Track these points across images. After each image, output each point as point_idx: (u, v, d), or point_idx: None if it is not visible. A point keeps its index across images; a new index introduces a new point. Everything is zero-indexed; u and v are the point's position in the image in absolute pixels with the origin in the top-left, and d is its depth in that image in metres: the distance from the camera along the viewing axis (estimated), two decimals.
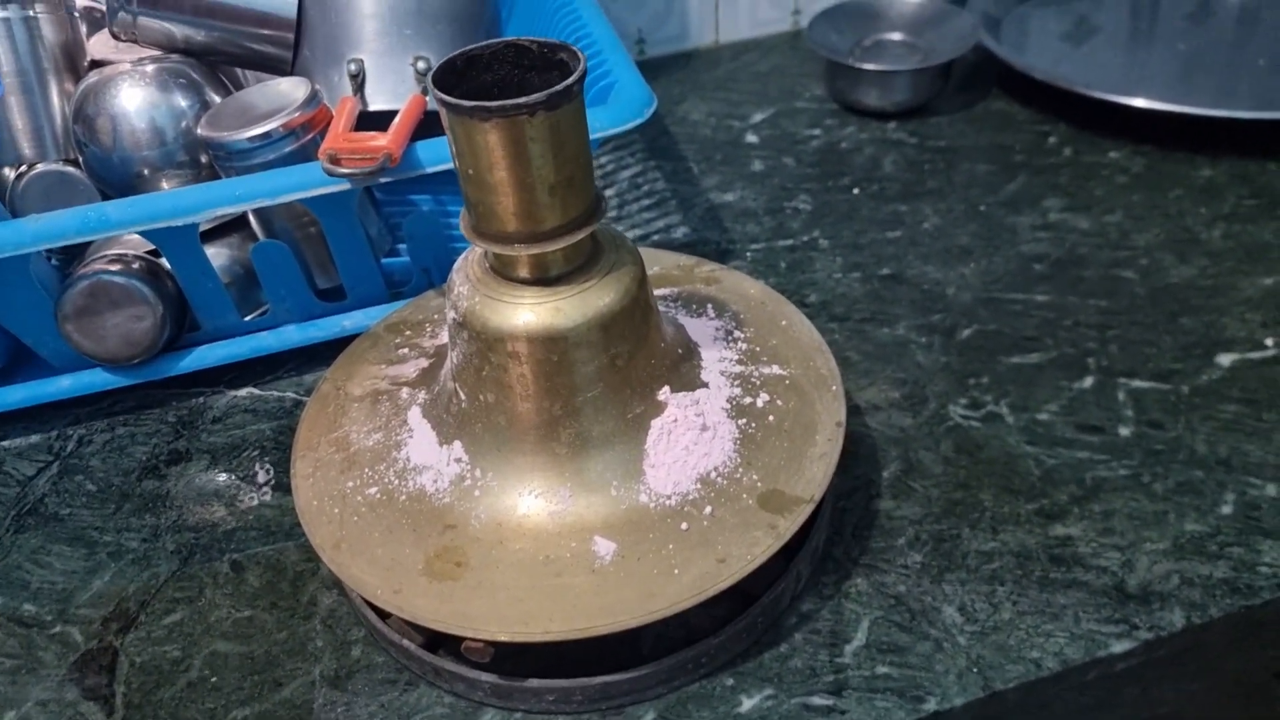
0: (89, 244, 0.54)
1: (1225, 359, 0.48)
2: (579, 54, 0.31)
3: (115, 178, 0.53)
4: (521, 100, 0.29)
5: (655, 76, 0.81)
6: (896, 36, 0.78)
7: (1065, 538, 0.40)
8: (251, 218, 0.52)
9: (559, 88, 0.30)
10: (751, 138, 0.72)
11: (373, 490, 0.39)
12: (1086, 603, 0.38)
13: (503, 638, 0.33)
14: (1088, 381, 0.48)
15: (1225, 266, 0.55)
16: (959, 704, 0.35)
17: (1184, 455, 0.43)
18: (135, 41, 0.54)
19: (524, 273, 0.35)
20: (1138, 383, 0.48)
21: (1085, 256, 0.57)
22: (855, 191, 0.65)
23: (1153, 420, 0.45)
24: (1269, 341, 0.49)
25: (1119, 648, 0.36)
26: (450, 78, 0.32)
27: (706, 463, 0.37)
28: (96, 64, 0.55)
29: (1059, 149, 0.67)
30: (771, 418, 0.39)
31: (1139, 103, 0.64)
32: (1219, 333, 0.50)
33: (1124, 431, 0.45)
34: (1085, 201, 0.61)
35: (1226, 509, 0.41)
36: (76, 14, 0.57)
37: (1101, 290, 0.54)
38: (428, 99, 0.51)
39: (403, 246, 0.57)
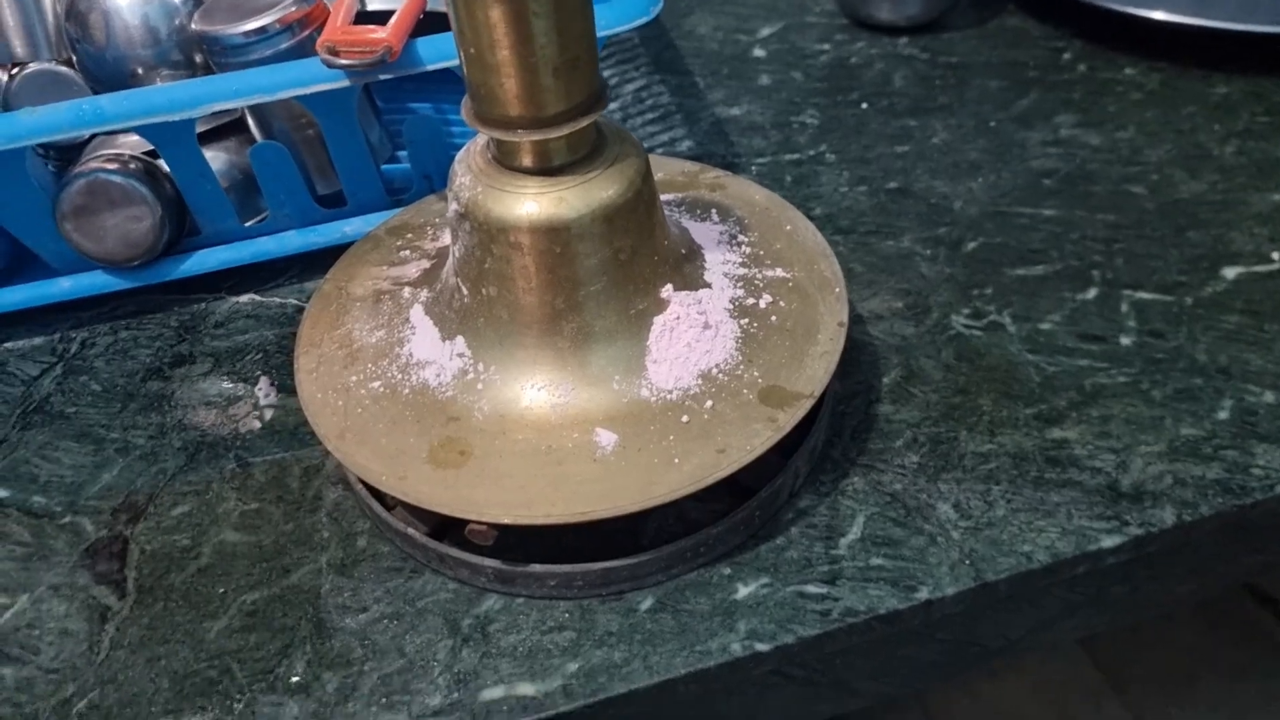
0: (84, 146, 0.53)
1: (1230, 272, 0.48)
2: None
3: (109, 77, 0.52)
4: None
5: None
6: None
7: (1061, 440, 0.41)
8: (249, 118, 0.52)
9: None
10: (759, 52, 0.71)
11: (376, 384, 0.39)
12: (1079, 501, 0.38)
13: (506, 520, 0.33)
14: (1091, 293, 0.48)
15: (1236, 182, 0.54)
16: (950, 593, 0.36)
17: (1184, 364, 0.44)
18: None
19: (527, 161, 0.35)
20: (1141, 294, 0.47)
21: (1095, 172, 0.56)
22: (864, 106, 0.64)
23: (1154, 330, 0.45)
24: (1275, 255, 0.49)
25: (1109, 543, 0.37)
26: None
27: (708, 360, 0.38)
28: None
29: (1073, 65, 0.65)
30: (774, 318, 0.39)
31: (1159, 15, 0.62)
32: (1225, 246, 0.50)
33: (1125, 341, 0.45)
34: (1098, 118, 0.60)
35: (1223, 414, 0.41)
36: None
37: (1110, 205, 0.53)
38: None
39: (403, 154, 0.56)
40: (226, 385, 0.48)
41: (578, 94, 0.33)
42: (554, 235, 0.35)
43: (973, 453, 0.41)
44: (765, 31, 0.73)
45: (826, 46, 0.70)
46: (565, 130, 0.33)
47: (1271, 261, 0.49)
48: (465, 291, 0.38)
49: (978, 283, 0.49)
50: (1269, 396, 0.42)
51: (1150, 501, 0.38)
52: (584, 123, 0.33)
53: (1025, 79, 0.65)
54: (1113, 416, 0.42)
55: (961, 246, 0.52)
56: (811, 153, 0.60)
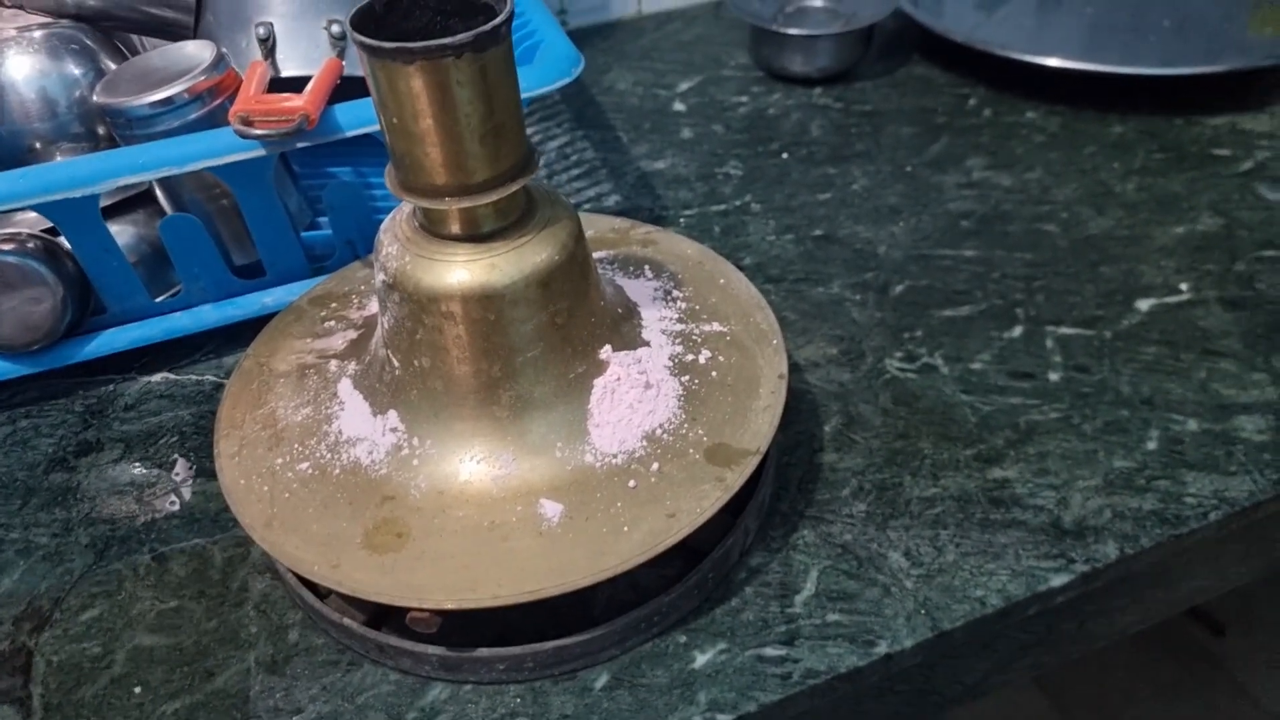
0: None
1: (1144, 304, 0.50)
2: None
3: (5, 153, 0.49)
4: (447, 41, 0.28)
5: (579, 47, 0.80)
6: (818, 3, 0.78)
7: (1003, 480, 0.41)
8: (158, 191, 0.49)
9: (486, 28, 0.28)
10: (679, 106, 0.72)
11: (304, 466, 0.37)
12: (1025, 541, 0.39)
13: (450, 605, 0.32)
14: (1017, 331, 0.49)
15: (1140, 217, 0.57)
16: (909, 645, 0.35)
17: (1110, 396, 0.45)
18: (21, 8, 0.50)
19: (455, 229, 0.34)
20: (1064, 329, 0.49)
21: (1009, 212, 0.58)
22: (784, 156, 0.65)
23: (1079, 365, 0.47)
24: (1183, 286, 0.51)
25: (1058, 581, 0.37)
26: (369, 24, 0.30)
27: (651, 420, 0.37)
28: None
29: (979, 110, 0.68)
30: (714, 373, 0.39)
31: (1053, 62, 0.66)
32: (1137, 280, 0.52)
33: (1053, 376, 0.46)
34: (1006, 160, 0.63)
35: (1151, 445, 0.42)
36: None
37: (1026, 243, 0.55)
38: (344, 63, 0.49)
39: (324, 220, 0.55)
40: (139, 471, 0.45)
41: (505, 160, 0.32)
42: (487, 303, 0.34)
43: (918, 498, 0.41)
44: (684, 86, 0.74)
45: (744, 99, 0.72)
46: (493, 197, 0.32)
47: (1180, 292, 0.51)
48: (396, 363, 0.36)
49: (908, 325, 0.50)
50: (1192, 424, 0.43)
51: (1093, 537, 0.39)
52: (513, 188, 0.33)
53: (935, 125, 0.67)
54: (1049, 453, 0.42)
55: (889, 290, 0.53)
56: (737, 203, 0.61)
